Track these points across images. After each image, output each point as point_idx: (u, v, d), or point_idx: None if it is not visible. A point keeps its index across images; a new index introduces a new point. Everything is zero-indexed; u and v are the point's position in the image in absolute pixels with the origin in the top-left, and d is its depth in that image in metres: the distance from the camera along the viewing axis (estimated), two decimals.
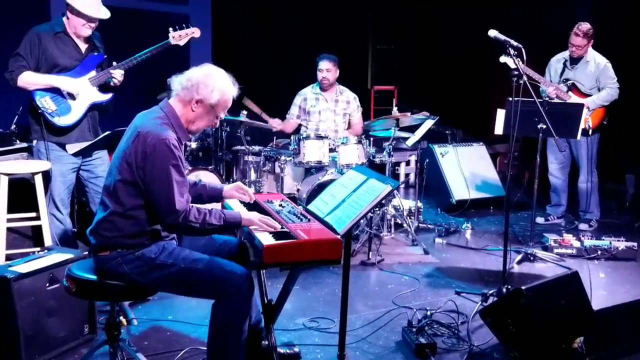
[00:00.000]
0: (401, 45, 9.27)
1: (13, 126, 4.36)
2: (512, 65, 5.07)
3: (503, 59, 4.92)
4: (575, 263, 4.86)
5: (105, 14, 4.01)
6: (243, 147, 5.43)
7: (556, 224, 6.03)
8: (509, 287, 3.86)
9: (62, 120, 3.98)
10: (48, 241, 3.91)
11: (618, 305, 3.46)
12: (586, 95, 5.52)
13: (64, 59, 4.00)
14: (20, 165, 3.97)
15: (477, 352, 3.39)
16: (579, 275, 3.27)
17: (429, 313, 3.65)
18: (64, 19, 4.02)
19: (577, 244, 5.07)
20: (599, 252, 5.02)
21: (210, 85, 2.75)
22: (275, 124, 5.77)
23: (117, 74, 4.07)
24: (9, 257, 3.78)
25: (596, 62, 5.53)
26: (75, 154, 4.06)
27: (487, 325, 3.38)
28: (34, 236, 4.13)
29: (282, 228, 2.79)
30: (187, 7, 7.93)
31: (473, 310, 3.85)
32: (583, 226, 5.88)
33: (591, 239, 5.13)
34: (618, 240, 5.06)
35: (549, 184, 6.04)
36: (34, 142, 4.07)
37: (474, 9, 8.31)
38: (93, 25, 4.02)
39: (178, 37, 4.18)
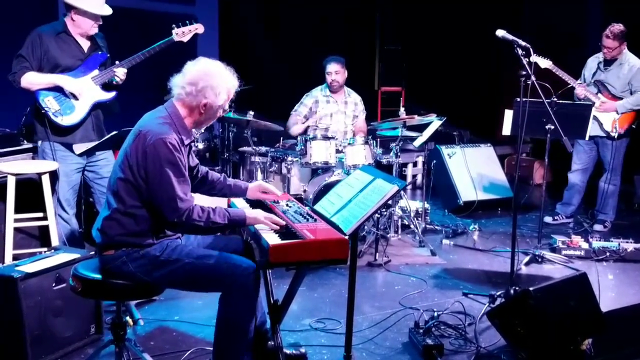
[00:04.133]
0: (408, 46, 9.26)
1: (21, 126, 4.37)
2: (543, 66, 5.05)
3: (534, 58, 4.80)
4: (584, 265, 4.83)
5: (108, 10, 4.03)
6: (250, 148, 5.42)
7: (565, 223, 5.99)
8: (517, 288, 3.84)
9: (66, 120, 3.97)
10: (55, 241, 3.91)
11: (627, 307, 3.44)
12: (617, 98, 5.44)
13: (65, 59, 3.99)
14: (28, 166, 3.97)
15: (484, 353, 3.37)
16: (587, 277, 3.24)
17: (436, 314, 3.63)
18: (67, 19, 4.01)
19: (585, 245, 5.03)
20: (608, 254, 4.98)
21: (215, 87, 2.73)
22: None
23: (120, 72, 4.07)
24: (16, 257, 3.78)
25: (630, 65, 5.43)
26: (82, 154, 4.06)
27: (494, 327, 3.36)
28: (41, 236, 4.14)
29: (287, 225, 2.79)
30: (193, 7, 7.94)
31: (480, 311, 3.83)
32: (598, 227, 5.84)
33: (600, 240, 5.08)
34: (627, 242, 5.02)
35: (560, 183, 5.98)
36: (39, 142, 4.08)
37: (483, 8, 8.28)
38: (100, 22, 4.04)
39: (181, 33, 4.20)
